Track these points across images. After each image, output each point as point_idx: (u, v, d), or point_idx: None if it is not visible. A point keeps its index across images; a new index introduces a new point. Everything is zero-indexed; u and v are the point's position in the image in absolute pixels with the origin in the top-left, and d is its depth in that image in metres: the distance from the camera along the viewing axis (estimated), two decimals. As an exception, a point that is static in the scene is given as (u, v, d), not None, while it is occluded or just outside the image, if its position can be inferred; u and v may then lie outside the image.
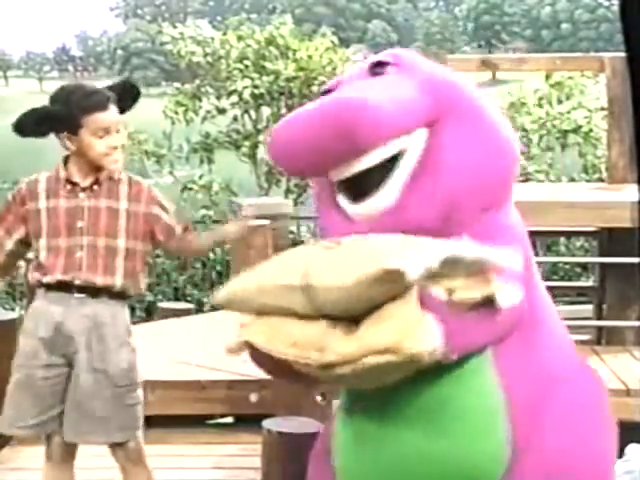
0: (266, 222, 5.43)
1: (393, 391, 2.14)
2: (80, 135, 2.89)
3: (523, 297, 2.14)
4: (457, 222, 2.18)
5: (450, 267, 1.99)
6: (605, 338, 4.57)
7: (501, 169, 2.28)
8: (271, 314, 2.12)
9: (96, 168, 2.95)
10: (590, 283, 5.61)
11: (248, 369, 4.06)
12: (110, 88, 3.02)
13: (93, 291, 2.91)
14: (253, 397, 3.76)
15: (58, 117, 2.90)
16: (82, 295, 2.91)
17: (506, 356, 2.17)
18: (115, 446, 2.96)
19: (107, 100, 2.92)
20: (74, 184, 2.95)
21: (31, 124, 2.93)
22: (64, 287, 2.91)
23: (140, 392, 2.97)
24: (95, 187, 2.95)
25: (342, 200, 2.26)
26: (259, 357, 2.18)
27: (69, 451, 2.99)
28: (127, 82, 3.13)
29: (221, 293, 2.23)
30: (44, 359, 2.91)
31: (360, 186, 2.22)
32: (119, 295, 2.95)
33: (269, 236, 5.84)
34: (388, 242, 2.06)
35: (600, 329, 4.63)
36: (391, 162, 2.20)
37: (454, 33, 60.90)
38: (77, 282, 2.89)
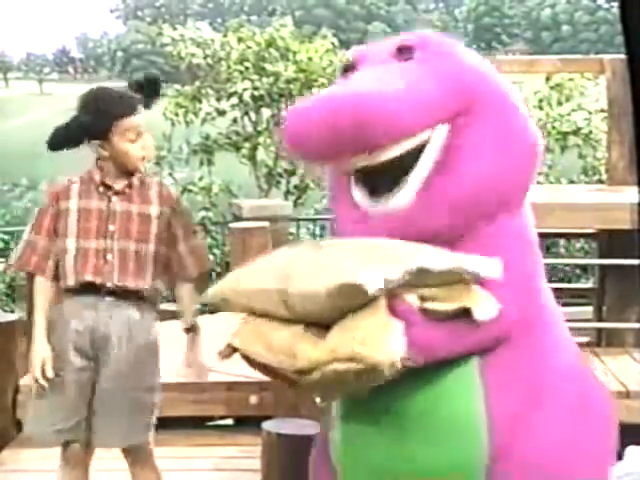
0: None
1: (384, 395, 2.17)
2: (112, 141, 2.87)
3: (514, 308, 2.12)
4: (468, 225, 2.15)
5: (419, 278, 2.01)
6: (605, 340, 4.57)
7: (520, 174, 2.21)
8: (256, 315, 2.14)
9: (129, 172, 2.94)
10: (590, 285, 5.61)
11: (248, 371, 4.07)
12: (131, 86, 2.99)
13: (124, 295, 2.91)
14: (253, 399, 3.76)
15: (87, 127, 2.86)
16: (112, 299, 2.90)
17: (494, 366, 2.16)
18: (126, 449, 2.97)
19: (135, 103, 2.91)
20: (107, 187, 2.93)
21: (62, 139, 2.90)
22: (94, 290, 2.90)
23: (158, 396, 2.98)
24: (127, 191, 2.94)
25: (358, 194, 2.22)
26: (250, 360, 2.22)
27: (88, 455, 2.99)
28: (147, 77, 3.07)
29: (210, 292, 2.24)
30: (77, 363, 2.90)
31: (378, 181, 2.18)
32: (148, 299, 2.96)
33: (269, 238, 5.84)
34: (359, 251, 2.07)
35: (600, 331, 4.63)
36: (411, 158, 2.13)
37: (454, 35, 60.94)
38: (108, 285, 2.89)
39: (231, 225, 6.38)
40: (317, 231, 10.06)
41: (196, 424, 4.01)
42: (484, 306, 2.05)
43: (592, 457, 2.24)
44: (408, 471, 2.21)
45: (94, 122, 2.85)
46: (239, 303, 2.17)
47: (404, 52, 2.21)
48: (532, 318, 2.20)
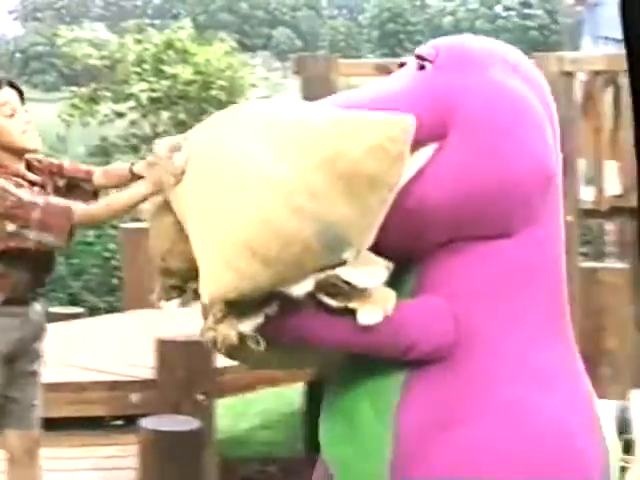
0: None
1: (332, 391, 2.29)
2: None
3: (443, 328, 2.09)
4: (423, 242, 2.12)
5: None
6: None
7: (494, 203, 2.08)
8: None
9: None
10: None
11: (130, 370, 4.04)
12: None
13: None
14: (134, 397, 3.72)
15: None
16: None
17: (417, 386, 2.13)
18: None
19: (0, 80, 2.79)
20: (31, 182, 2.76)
21: None
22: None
23: None
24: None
25: None
26: None
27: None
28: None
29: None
30: None
31: None
32: None
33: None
34: None
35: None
36: None
37: (359, 41, 61.48)
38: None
39: (122, 225, 6.29)
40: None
41: (78, 424, 3.95)
42: (369, 311, 2.03)
43: None
44: (340, 465, 2.26)
45: None
46: None
47: (421, 61, 2.16)
48: (484, 343, 2.12)
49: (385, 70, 6.44)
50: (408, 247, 2.13)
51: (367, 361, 2.17)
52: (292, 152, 1.94)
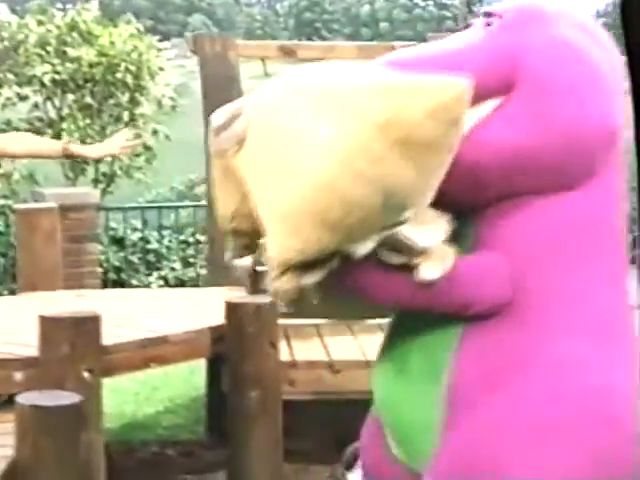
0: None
1: (389, 345, 2.28)
2: None
3: (501, 285, 2.07)
4: (483, 196, 2.11)
5: None
6: None
7: (548, 159, 2.07)
8: None
9: None
10: None
11: (15, 349, 3.96)
12: None
13: None
14: (18, 376, 3.64)
15: None
16: None
17: (470, 341, 2.12)
18: None
19: None
20: None
21: None
22: None
23: None
24: None
25: None
26: None
27: None
28: None
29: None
30: None
31: None
32: None
33: (57, 220, 5.68)
34: None
35: None
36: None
37: (276, 29, 61.42)
38: None
39: (16, 206, 6.18)
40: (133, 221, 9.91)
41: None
42: (429, 267, 2.01)
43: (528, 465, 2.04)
44: (390, 416, 2.26)
45: None
46: None
47: (488, 18, 2.17)
48: (541, 298, 2.10)
49: (289, 52, 6.44)
50: (467, 200, 2.12)
51: (423, 314, 2.15)
52: (348, 119, 1.90)
